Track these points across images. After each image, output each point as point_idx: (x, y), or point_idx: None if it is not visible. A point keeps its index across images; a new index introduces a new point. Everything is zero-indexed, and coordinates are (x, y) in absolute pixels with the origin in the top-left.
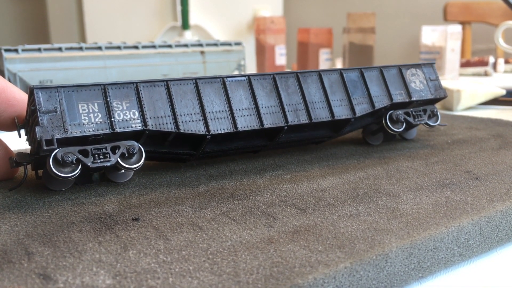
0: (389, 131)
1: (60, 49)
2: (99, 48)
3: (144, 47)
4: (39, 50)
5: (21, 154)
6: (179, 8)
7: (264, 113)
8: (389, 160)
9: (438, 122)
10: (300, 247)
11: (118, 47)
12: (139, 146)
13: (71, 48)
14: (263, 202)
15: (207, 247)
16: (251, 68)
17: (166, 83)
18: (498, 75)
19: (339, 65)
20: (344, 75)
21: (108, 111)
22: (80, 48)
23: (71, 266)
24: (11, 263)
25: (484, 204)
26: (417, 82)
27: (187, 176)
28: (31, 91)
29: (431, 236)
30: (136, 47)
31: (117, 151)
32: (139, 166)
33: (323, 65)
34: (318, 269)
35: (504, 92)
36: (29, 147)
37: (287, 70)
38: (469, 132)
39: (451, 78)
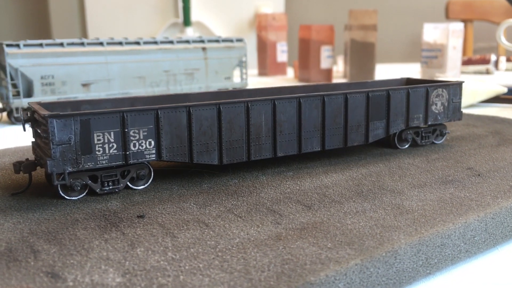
0: (394, 147)
1: (61, 44)
2: (101, 43)
3: (145, 43)
4: (40, 45)
5: (27, 164)
6: (180, 4)
7: (280, 141)
8: (390, 156)
9: (443, 140)
10: (309, 244)
11: (120, 43)
12: (149, 169)
13: (72, 44)
14: (268, 199)
15: (215, 244)
16: (252, 64)
17: (188, 109)
18: (500, 73)
19: (340, 62)
20: (370, 95)
21: (124, 141)
22: (82, 44)
23: (78, 264)
24: (18, 262)
25: (489, 201)
26: (439, 104)
27: (189, 172)
28: (45, 118)
29: (438, 233)
30: (137, 43)
31: (126, 174)
32: (147, 185)
33: (325, 62)
34: (329, 266)
35: (505, 90)
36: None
37: (289, 67)
38: (467, 129)
39: (452, 75)
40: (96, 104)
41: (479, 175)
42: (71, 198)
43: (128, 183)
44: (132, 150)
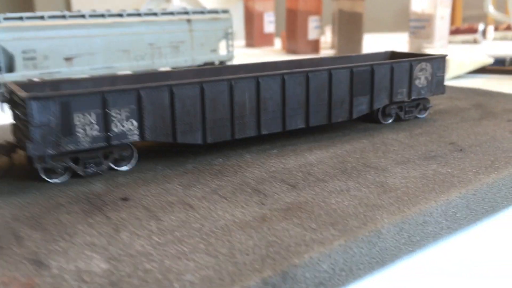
0: (378, 122)
1: (42, 17)
2: (83, 16)
3: (129, 15)
4: (21, 18)
5: (7, 146)
6: None
7: (264, 119)
8: (374, 132)
9: (426, 114)
10: (294, 225)
11: (102, 15)
12: (132, 150)
13: (53, 17)
14: (253, 178)
15: (200, 227)
16: (239, 35)
17: (170, 88)
18: (487, 43)
19: (328, 32)
20: (354, 71)
21: (106, 122)
22: (63, 17)
23: (63, 250)
24: (1, 249)
25: (471, 177)
26: (422, 79)
27: (173, 151)
28: (24, 100)
29: (421, 211)
30: (120, 15)
31: (109, 155)
32: (130, 166)
33: (312, 33)
34: (313, 248)
35: (492, 60)
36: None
37: (278, 38)
38: (450, 102)
39: (440, 46)
40: (76, 83)
41: (461, 150)
42: (53, 181)
43: (111, 164)
44: (114, 131)
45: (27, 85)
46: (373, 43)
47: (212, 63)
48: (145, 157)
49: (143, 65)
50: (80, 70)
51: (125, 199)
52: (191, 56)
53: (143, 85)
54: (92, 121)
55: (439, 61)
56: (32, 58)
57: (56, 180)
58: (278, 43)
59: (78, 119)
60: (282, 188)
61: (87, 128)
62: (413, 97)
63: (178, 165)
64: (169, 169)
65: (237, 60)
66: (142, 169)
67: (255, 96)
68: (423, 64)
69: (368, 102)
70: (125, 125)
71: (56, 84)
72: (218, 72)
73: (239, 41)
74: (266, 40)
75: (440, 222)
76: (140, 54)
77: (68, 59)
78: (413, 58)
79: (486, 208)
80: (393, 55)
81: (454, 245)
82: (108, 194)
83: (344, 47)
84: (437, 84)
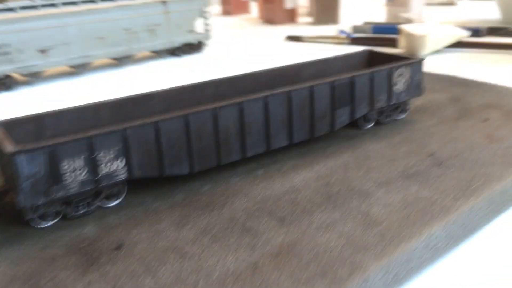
0: (359, 127)
1: (12, 9)
2: (54, 5)
3: (102, 0)
4: None
5: None
6: None
7: (248, 142)
8: (355, 141)
9: (405, 115)
10: (286, 277)
11: (74, 3)
12: (121, 185)
13: (24, 7)
14: (241, 211)
15: (195, 282)
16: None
17: (156, 124)
18: (463, 3)
19: None
20: (336, 84)
21: (94, 165)
22: (34, 7)
23: None
24: None
25: (450, 203)
26: (401, 84)
27: (161, 178)
28: (10, 156)
29: (405, 249)
30: (93, 1)
31: (99, 194)
32: (120, 201)
33: (289, 1)
34: None
35: (468, 33)
36: None
37: (253, 3)
38: (428, 95)
39: (416, 15)
40: (60, 116)
41: (440, 163)
42: (44, 226)
43: (102, 202)
44: (102, 172)
45: (9, 124)
46: (350, 9)
47: (190, 44)
48: (133, 186)
49: (120, 51)
50: (56, 62)
51: (118, 248)
52: (168, 39)
53: (129, 125)
54: (80, 165)
55: (417, 65)
56: (6, 53)
57: (47, 225)
58: (255, 9)
59: (66, 166)
60: (271, 224)
61: (76, 173)
62: (392, 102)
63: (167, 196)
64: (159, 201)
65: (214, 35)
66: (131, 203)
67: (239, 121)
68: (402, 69)
69: (349, 113)
70: (113, 165)
71: (39, 119)
72: (200, 89)
73: (215, 6)
74: (243, 7)
75: (421, 256)
76: (116, 40)
77: (43, 51)
78: (391, 64)
79: (465, 232)
80: (371, 54)
81: (437, 271)
82: (101, 240)
83: (321, 15)
84: (415, 87)
